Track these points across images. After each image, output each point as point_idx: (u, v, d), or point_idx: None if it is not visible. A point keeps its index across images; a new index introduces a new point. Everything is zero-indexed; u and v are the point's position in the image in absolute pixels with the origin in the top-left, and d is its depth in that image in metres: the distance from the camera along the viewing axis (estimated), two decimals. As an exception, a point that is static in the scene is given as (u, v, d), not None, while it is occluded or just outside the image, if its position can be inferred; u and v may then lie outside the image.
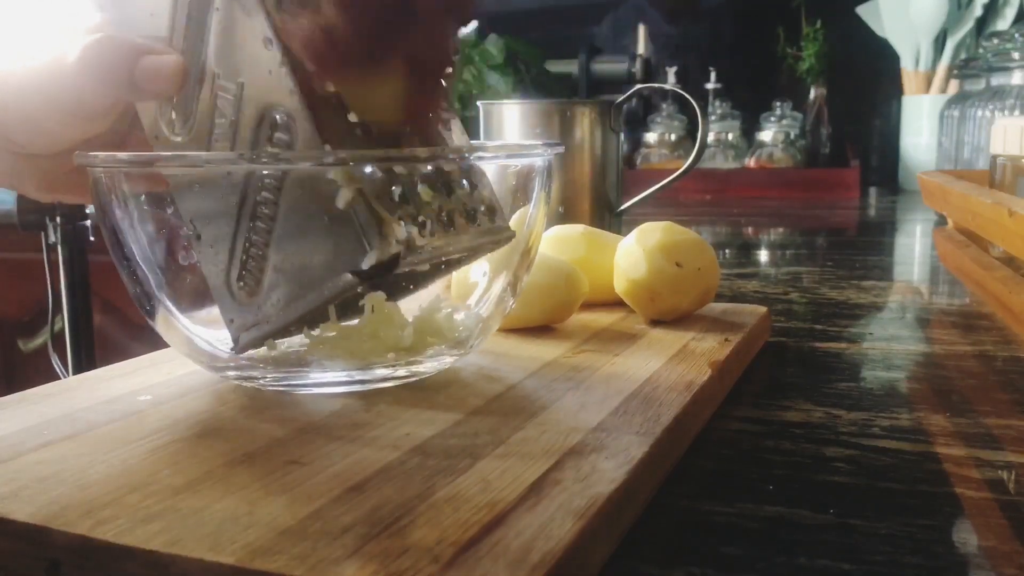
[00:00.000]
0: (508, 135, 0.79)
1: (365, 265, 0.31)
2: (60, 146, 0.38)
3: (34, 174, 0.39)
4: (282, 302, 0.34)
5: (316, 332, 0.36)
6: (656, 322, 0.48)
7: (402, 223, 0.32)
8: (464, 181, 0.35)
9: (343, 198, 0.31)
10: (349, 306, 0.35)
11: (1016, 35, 1.25)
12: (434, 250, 0.33)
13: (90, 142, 0.39)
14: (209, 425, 0.32)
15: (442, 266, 0.37)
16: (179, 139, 0.36)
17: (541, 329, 0.47)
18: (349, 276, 0.32)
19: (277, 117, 0.33)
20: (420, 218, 0.32)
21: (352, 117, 0.33)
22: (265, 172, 0.32)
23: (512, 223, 0.38)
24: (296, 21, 0.32)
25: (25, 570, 0.24)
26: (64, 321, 1.22)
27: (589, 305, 0.51)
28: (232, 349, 0.35)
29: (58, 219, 1.18)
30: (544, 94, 1.79)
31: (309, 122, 0.32)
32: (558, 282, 0.46)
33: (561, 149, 0.39)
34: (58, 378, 0.40)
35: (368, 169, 0.31)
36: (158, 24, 0.36)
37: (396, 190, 0.32)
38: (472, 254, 0.37)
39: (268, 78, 0.32)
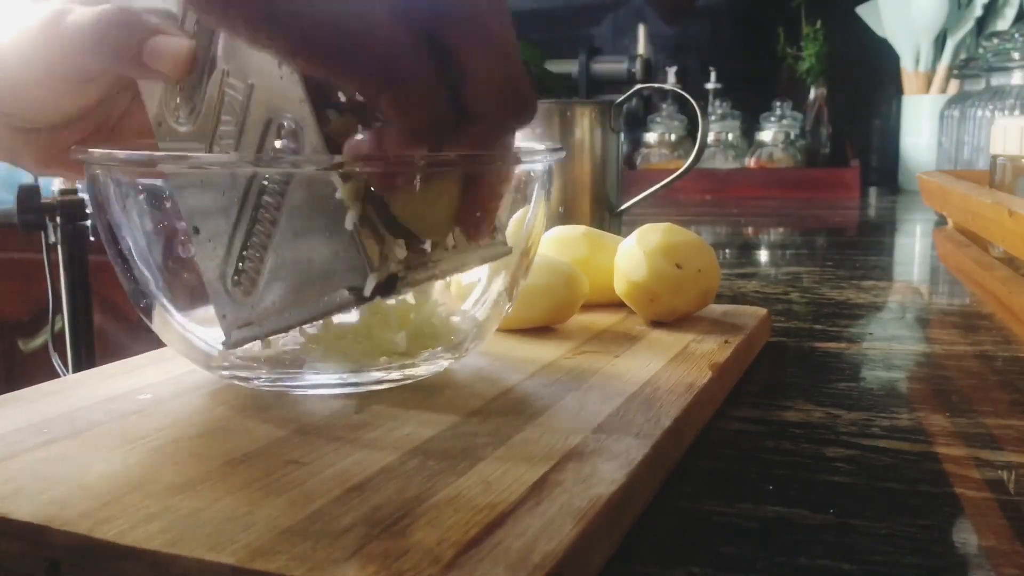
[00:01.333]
0: (508, 135, 0.79)
1: (367, 291, 0.31)
2: (53, 118, 0.38)
3: (30, 148, 0.39)
4: (276, 306, 0.34)
5: (310, 332, 0.36)
6: (656, 323, 0.48)
7: (402, 242, 0.32)
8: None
9: (351, 219, 0.30)
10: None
11: (1016, 35, 1.25)
12: (431, 268, 0.33)
13: (84, 119, 0.39)
14: (209, 425, 0.32)
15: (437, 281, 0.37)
16: (183, 129, 0.36)
17: (541, 330, 0.47)
18: (347, 294, 0.32)
19: (285, 124, 0.32)
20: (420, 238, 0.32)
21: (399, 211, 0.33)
22: (268, 176, 0.32)
23: (512, 225, 0.38)
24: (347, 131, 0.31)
25: (25, 570, 0.24)
26: (64, 321, 1.22)
27: (589, 306, 0.51)
28: (223, 344, 0.35)
29: (58, 219, 1.18)
30: (544, 94, 1.79)
31: (317, 133, 0.32)
32: (558, 283, 0.46)
33: (563, 154, 0.39)
34: (58, 377, 0.40)
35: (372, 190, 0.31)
36: (168, 10, 0.36)
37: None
38: (467, 267, 0.37)
39: (279, 84, 0.32)
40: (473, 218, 0.33)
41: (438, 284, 0.40)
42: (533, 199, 0.38)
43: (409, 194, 0.32)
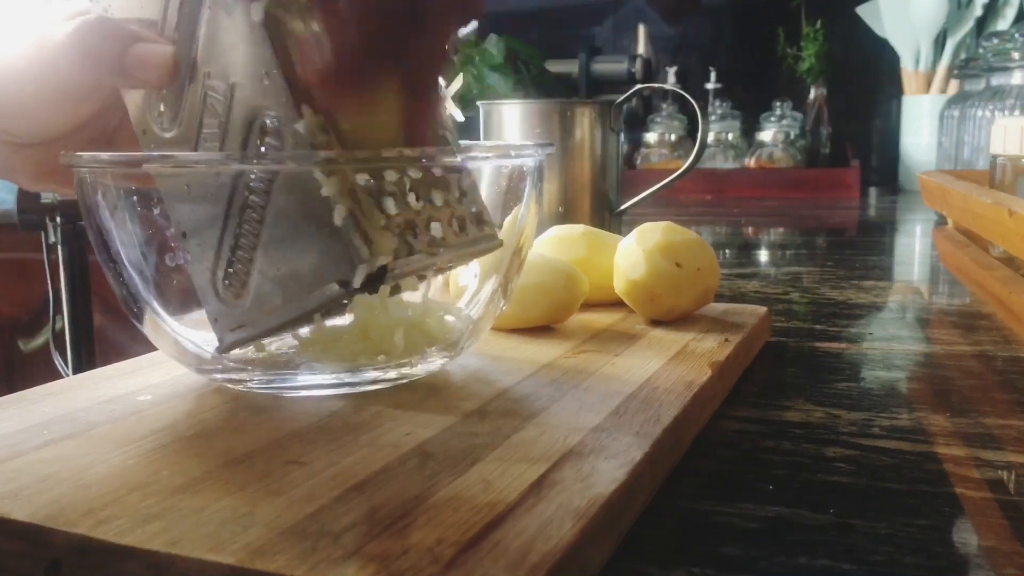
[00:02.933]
0: (508, 135, 0.79)
1: (356, 281, 0.31)
2: (49, 133, 0.38)
3: (26, 164, 0.39)
4: (267, 307, 0.33)
5: (305, 333, 0.36)
6: (656, 322, 0.48)
7: (391, 234, 0.32)
8: (454, 188, 0.35)
9: (339, 214, 0.30)
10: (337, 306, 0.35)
11: (1016, 35, 1.25)
12: (421, 261, 0.33)
13: (80, 132, 0.39)
14: (209, 425, 0.32)
15: (429, 275, 0.37)
16: (167, 135, 0.36)
17: (541, 329, 0.47)
18: (336, 287, 0.32)
19: (268, 122, 0.32)
20: (409, 229, 0.32)
21: (345, 124, 0.33)
22: (254, 174, 0.32)
23: (505, 225, 0.38)
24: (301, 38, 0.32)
25: (25, 570, 0.24)
26: (64, 321, 1.22)
27: (589, 305, 0.51)
28: (217, 348, 0.35)
29: (58, 219, 1.18)
30: (544, 94, 1.79)
31: (301, 128, 0.32)
32: (558, 282, 0.46)
33: (551, 150, 0.39)
34: (59, 377, 0.40)
35: (361, 181, 0.31)
36: (147, 16, 0.36)
37: (387, 200, 0.32)
38: (459, 262, 0.37)
39: (260, 82, 0.32)
40: (417, 113, 0.33)
41: (436, 284, 0.40)
42: (524, 196, 0.38)
43: (352, 106, 0.32)
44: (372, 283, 0.31)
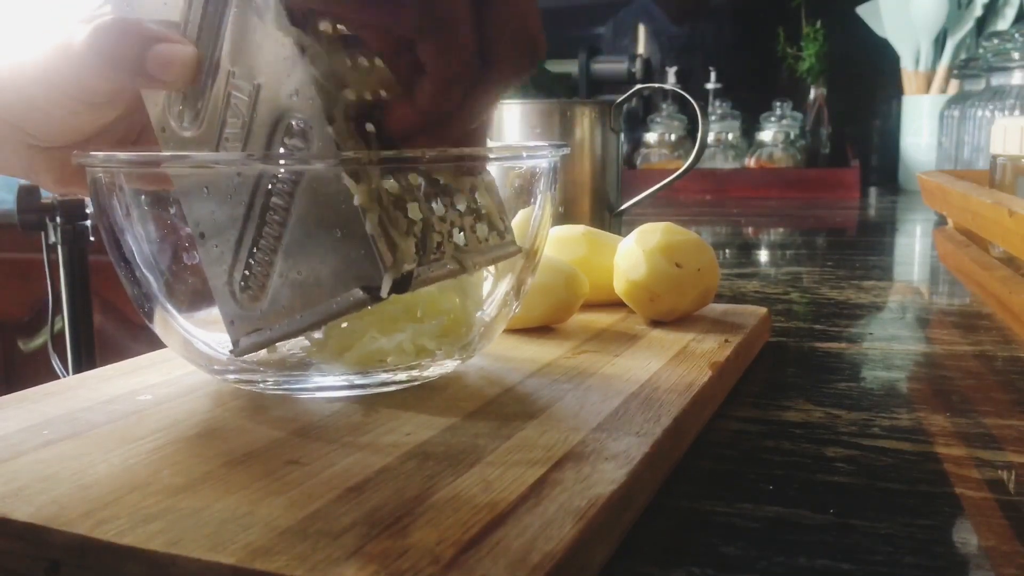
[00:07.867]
0: (508, 135, 0.79)
1: (384, 289, 0.31)
2: (72, 137, 0.38)
3: (50, 167, 0.39)
4: (286, 311, 0.33)
5: (317, 336, 0.36)
6: (656, 323, 0.48)
7: (415, 240, 0.31)
8: (478, 193, 0.35)
9: (370, 222, 0.30)
10: None
11: (1016, 35, 1.25)
12: (445, 268, 0.33)
13: (103, 135, 0.38)
14: (209, 425, 0.32)
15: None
16: (187, 134, 0.35)
17: (541, 330, 0.47)
18: (360, 293, 0.31)
19: (293, 123, 0.32)
20: (433, 236, 0.32)
21: (369, 127, 0.32)
22: (277, 176, 0.32)
23: (515, 224, 0.38)
24: None
25: (25, 570, 0.24)
26: (64, 321, 1.21)
27: (589, 305, 0.51)
28: (231, 351, 0.35)
29: (58, 219, 1.18)
30: (544, 94, 1.79)
31: (327, 130, 0.31)
32: (558, 283, 0.46)
33: (567, 150, 0.39)
34: (58, 378, 0.40)
35: (384, 184, 0.31)
36: (170, 13, 0.35)
37: (411, 205, 0.32)
38: (480, 267, 0.37)
39: (287, 83, 0.32)
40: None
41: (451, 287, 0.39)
42: (539, 198, 0.38)
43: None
44: (397, 289, 0.31)
